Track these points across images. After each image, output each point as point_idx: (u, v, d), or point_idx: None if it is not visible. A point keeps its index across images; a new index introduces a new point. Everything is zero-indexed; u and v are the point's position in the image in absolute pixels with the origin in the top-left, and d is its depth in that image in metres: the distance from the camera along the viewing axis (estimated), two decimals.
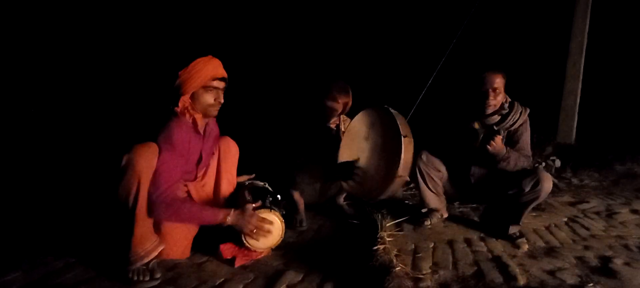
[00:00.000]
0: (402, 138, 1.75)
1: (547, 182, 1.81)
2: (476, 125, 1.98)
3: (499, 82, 1.93)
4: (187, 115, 1.48)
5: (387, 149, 1.85)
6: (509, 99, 2.01)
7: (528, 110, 2.01)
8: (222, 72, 1.51)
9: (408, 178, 1.98)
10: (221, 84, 1.52)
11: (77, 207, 2.06)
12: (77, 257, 1.51)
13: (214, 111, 1.54)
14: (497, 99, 1.95)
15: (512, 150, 1.93)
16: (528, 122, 2.02)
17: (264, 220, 1.51)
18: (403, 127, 1.80)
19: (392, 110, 1.86)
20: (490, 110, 1.96)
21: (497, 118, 1.99)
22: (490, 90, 1.92)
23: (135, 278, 1.34)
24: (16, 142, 3.10)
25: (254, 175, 1.82)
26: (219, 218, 1.45)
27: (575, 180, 3.57)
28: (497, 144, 1.84)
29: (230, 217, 1.45)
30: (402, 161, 1.73)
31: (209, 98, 1.49)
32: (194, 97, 1.47)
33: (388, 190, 1.83)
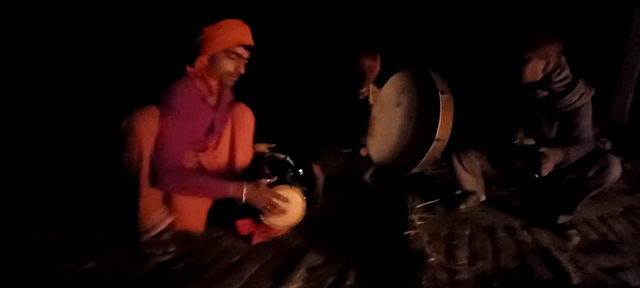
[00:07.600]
0: (440, 95, 1.52)
1: (616, 168, 1.54)
2: (521, 141, 1.69)
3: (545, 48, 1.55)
4: (199, 81, 1.33)
5: (423, 111, 1.64)
6: (570, 76, 1.63)
7: (593, 91, 1.64)
8: (250, 40, 1.34)
9: (446, 143, 1.68)
10: (245, 53, 1.35)
11: (99, 176, 2.03)
12: (98, 222, 1.49)
13: (231, 81, 1.39)
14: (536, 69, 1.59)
15: (570, 148, 1.60)
16: (590, 103, 1.66)
17: (280, 196, 1.37)
18: (440, 83, 1.56)
19: (426, 68, 1.63)
20: (524, 81, 1.62)
21: (544, 94, 1.64)
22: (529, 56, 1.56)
23: (148, 251, 1.28)
24: (36, 113, 3.12)
25: (274, 145, 1.68)
26: (229, 192, 1.32)
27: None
28: (549, 168, 1.52)
29: (243, 192, 1.32)
30: (440, 121, 1.51)
31: (229, 65, 1.32)
32: (212, 60, 1.31)
33: (425, 159, 1.60)
